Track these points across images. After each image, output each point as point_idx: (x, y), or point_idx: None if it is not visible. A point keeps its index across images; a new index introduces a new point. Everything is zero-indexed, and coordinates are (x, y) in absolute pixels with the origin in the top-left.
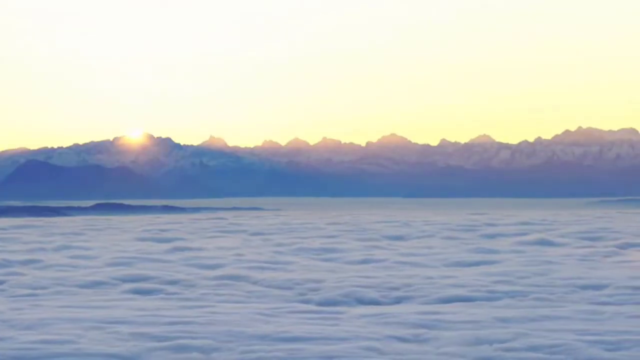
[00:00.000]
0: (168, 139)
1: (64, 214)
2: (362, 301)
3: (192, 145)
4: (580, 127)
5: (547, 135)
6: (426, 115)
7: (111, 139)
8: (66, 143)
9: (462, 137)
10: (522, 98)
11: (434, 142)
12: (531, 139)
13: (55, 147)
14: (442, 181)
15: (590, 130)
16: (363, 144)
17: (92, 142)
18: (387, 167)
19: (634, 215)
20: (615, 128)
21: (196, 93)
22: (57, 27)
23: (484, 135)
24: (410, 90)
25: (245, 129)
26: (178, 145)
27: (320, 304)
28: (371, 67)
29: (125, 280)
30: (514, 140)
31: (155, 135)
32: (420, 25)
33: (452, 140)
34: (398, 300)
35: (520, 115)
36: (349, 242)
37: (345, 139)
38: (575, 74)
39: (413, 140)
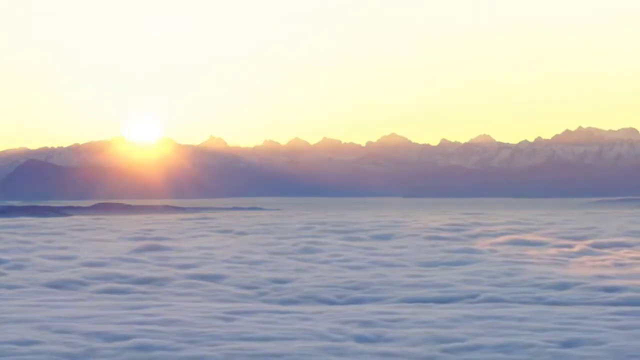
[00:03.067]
0: (168, 139)
1: (64, 214)
2: (321, 301)
3: (192, 145)
4: (580, 127)
5: (547, 135)
6: (426, 115)
7: (111, 139)
8: (66, 143)
9: (462, 137)
10: (522, 98)
11: (434, 142)
12: (531, 139)
13: (55, 147)
14: (442, 181)
15: (590, 130)
16: (363, 144)
17: (92, 142)
18: (387, 167)
19: (629, 215)
20: (615, 128)
21: (196, 93)
22: (58, 28)
23: (484, 135)
24: (410, 90)
25: (245, 129)
26: (178, 145)
27: (280, 303)
28: (371, 67)
29: (95, 279)
30: (514, 140)
31: (156, 135)
32: (421, 26)
33: (452, 140)
34: (357, 301)
35: (520, 115)
36: (331, 242)
37: (345, 139)
38: (576, 74)
39: (413, 140)
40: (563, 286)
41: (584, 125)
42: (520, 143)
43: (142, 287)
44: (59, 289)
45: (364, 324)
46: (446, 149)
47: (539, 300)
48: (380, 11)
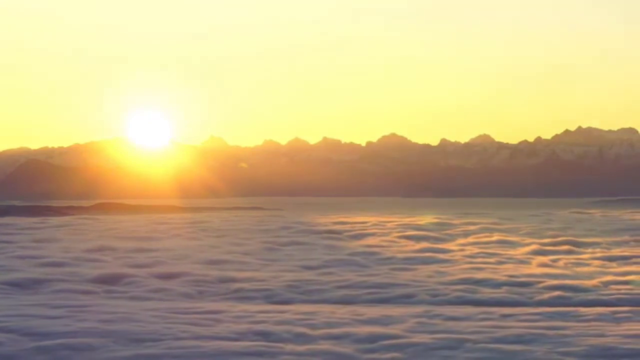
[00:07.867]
0: (169, 139)
1: (64, 214)
2: (256, 299)
3: (192, 145)
4: (580, 127)
5: (547, 135)
6: (426, 115)
7: (112, 139)
8: (66, 143)
9: (462, 137)
10: (522, 98)
11: (434, 142)
12: (531, 139)
13: (56, 147)
14: (442, 181)
15: (590, 130)
16: (363, 144)
17: (92, 142)
18: (387, 167)
19: (622, 215)
20: (615, 128)
21: (197, 93)
22: (58, 26)
23: (484, 135)
24: (410, 90)
25: (245, 129)
26: (178, 145)
27: (216, 301)
28: (371, 67)
29: (51, 278)
30: (514, 140)
31: (156, 135)
32: (422, 25)
33: (452, 140)
34: (290, 301)
35: (520, 115)
36: (301, 242)
37: (345, 139)
38: (576, 74)
39: (413, 140)
40: (500, 285)
41: (584, 125)
42: (520, 143)
43: (93, 287)
44: (12, 287)
45: (292, 322)
46: (446, 149)
47: (467, 300)
48: (382, 13)
